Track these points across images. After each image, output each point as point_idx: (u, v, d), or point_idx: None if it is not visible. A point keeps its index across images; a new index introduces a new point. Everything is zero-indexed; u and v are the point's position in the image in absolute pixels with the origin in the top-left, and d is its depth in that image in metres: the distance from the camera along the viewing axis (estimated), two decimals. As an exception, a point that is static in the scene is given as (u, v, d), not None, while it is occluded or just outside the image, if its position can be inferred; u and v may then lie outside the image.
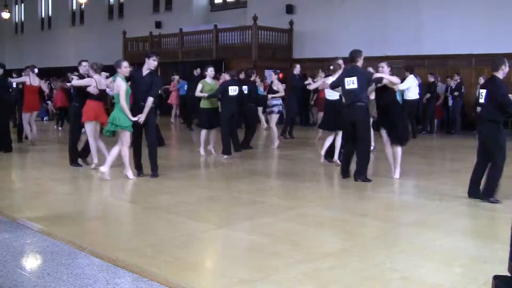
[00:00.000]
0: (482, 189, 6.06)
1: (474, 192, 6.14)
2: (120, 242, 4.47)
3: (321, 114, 11.73)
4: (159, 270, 3.73)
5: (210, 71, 9.50)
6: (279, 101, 11.42)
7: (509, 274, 2.37)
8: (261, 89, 13.47)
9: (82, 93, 8.10)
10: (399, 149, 7.41)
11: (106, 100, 8.67)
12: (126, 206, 5.97)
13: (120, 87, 7.06)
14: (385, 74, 7.28)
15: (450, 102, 15.00)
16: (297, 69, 12.82)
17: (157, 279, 3.55)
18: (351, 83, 7.27)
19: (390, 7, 17.05)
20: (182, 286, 3.47)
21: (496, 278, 2.42)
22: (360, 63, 7.40)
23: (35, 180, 7.52)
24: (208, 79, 9.48)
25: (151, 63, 7.49)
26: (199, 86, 9.40)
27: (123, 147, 7.18)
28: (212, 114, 9.45)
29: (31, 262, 3.94)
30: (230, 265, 3.98)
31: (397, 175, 7.45)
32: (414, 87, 12.36)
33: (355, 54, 7.41)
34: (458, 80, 14.72)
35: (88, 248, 4.18)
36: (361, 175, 7.20)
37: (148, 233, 4.81)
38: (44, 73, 13.31)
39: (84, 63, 8.62)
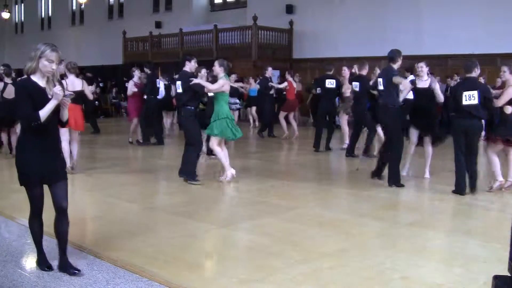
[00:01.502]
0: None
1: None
2: (120, 242, 4.47)
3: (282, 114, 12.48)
4: (159, 270, 3.73)
5: (203, 72, 9.25)
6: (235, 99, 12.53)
7: (509, 274, 2.36)
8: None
9: None
10: (430, 149, 7.63)
11: (85, 102, 8.38)
12: (126, 206, 5.97)
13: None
14: (424, 75, 7.43)
15: (450, 102, 14.99)
16: (269, 72, 12.76)
17: (157, 279, 3.55)
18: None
19: (390, 7, 17.05)
20: (182, 286, 3.47)
21: (496, 278, 2.42)
22: (398, 64, 7.04)
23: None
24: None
25: (193, 66, 7.21)
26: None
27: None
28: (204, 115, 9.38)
29: (31, 262, 3.94)
30: (230, 265, 3.98)
31: (427, 174, 7.58)
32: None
33: (393, 54, 7.03)
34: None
35: (88, 248, 4.18)
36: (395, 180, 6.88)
37: (148, 233, 4.81)
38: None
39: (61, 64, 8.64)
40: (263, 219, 5.29)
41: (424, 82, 7.37)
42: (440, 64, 16.10)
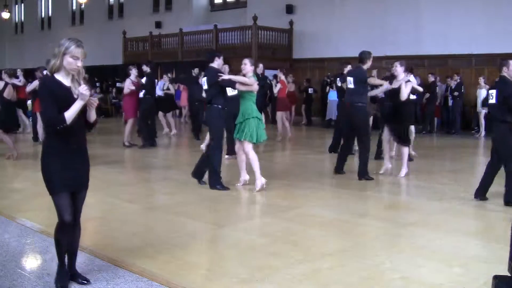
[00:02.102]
0: (505, 192, 5.87)
1: (481, 194, 6.06)
2: (120, 242, 4.47)
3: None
4: (159, 270, 3.73)
5: (227, 68, 8.96)
6: None
7: (509, 274, 2.37)
8: None
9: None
10: (405, 149, 7.66)
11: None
12: (126, 206, 5.97)
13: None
14: (400, 74, 7.46)
15: (450, 102, 15.00)
16: (260, 68, 12.72)
17: (157, 279, 3.55)
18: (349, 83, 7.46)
19: (390, 7, 17.06)
20: (182, 286, 3.47)
21: (496, 278, 2.42)
22: (367, 65, 7.41)
23: (35, 180, 7.50)
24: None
25: (221, 63, 6.91)
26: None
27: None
28: None
29: (31, 262, 3.94)
30: (230, 265, 3.98)
31: (402, 173, 7.62)
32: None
33: (363, 55, 7.39)
34: (458, 80, 14.71)
35: (88, 248, 4.18)
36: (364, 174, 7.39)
37: (148, 233, 4.81)
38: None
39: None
40: (263, 219, 5.29)
41: (398, 82, 7.45)
42: (440, 64, 16.11)
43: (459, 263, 3.99)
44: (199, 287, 3.50)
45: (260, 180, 6.55)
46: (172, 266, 3.87)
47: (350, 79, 7.48)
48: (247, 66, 6.57)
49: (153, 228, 4.98)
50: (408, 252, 4.25)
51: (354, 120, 7.47)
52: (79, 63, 3.24)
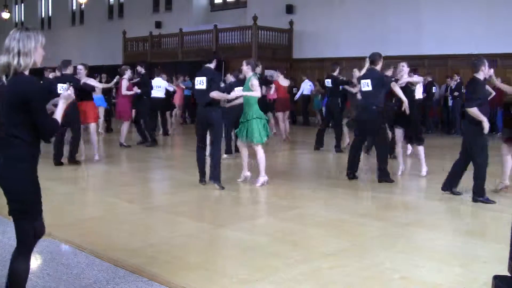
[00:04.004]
0: (472, 188, 6.03)
1: (447, 186, 6.28)
2: (120, 242, 4.47)
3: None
4: (159, 270, 3.73)
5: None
6: None
7: (509, 274, 2.36)
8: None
9: None
10: (420, 148, 7.63)
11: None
12: (126, 206, 5.97)
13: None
14: (405, 75, 7.53)
15: (450, 102, 15.00)
16: (258, 69, 12.69)
17: (157, 279, 3.55)
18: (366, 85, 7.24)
19: (390, 7, 17.06)
20: (182, 286, 3.47)
21: (496, 278, 2.42)
22: (380, 65, 7.25)
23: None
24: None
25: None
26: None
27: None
28: None
29: (31, 262, 3.93)
30: (230, 265, 3.98)
31: (423, 172, 7.63)
32: (418, 87, 12.44)
33: (374, 57, 7.25)
34: (458, 80, 14.71)
35: (88, 248, 4.18)
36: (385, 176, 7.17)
37: (148, 233, 4.81)
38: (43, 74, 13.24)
39: None
40: (263, 219, 5.29)
41: (403, 82, 7.53)
42: (440, 64, 16.11)
43: (459, 263, 3.99)
44: (199, 287, 3.50)
45: (264, 178, 6.84)
46: (172, 266, 3.86)
47: (366, 82, 7.16)
48: (243, 68, 6.91)
49: (153, 228, 4.98)
50: (408, 252, 4.25)
51: (368, 124, 7.18)
52: None
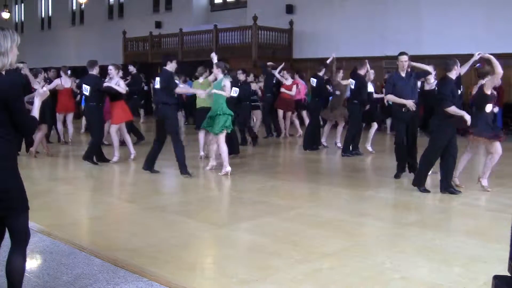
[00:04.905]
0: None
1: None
2: (120, 242, 4.47)
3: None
4: (159, 270, 3.73)
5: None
6: (254, 97, 11.92)
7: (509, 274, 2.36)
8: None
9: None
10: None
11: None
12: (126, 206, 5.97)
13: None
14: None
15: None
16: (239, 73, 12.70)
17: (157, 279, 3.55)
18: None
19: (390, 7, 17.05)
20: (182, 286, 3.47)
21: (496, 278, 2.41)
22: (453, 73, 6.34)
23: (35, 180, 7.52)
24: (201, 80, 9.27)
25: (174, 66, 7.51)
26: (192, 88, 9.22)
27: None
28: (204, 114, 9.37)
29: (31, 262, 3.93)
30: (230, 265, 3.98)
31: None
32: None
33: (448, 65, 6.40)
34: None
35: (88, 248, 4.18)
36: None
37: (148, 233, 4.81)
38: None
39: None
40: (263, 219, 5.29)
41: (429, 85, 7.61)
42: (440, 64, 16.08)
43: (459, 263, 3.99)
44: (199, 287, 3.50)
45: (227, 168, 7.57)
46: (172, 266, 3.87)
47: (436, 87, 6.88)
48: (214, 70, 7.76)
49: (153, 228, 4.98)
50: (408, 252, 4.25)
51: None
52: None
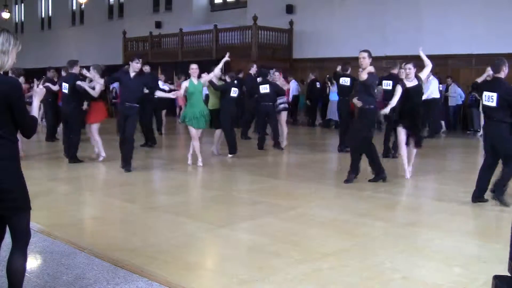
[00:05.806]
0: (492, 188, 5.83)
1: (479, 196, 5.94)
2: (120, 242, 4.47)
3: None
4: (159, 270, 3.73)
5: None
6: (284, 99, 11.41)
7: (509, 274, 2.36)
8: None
9: None
10: (414, 151, 7.57)
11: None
12: (126, 206, 5.97)
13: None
14: (412, 76, 7.69)
15: (451, 101, 15.06)
16: (253, 69, 12.38)
17: (157, 279, 3.55)
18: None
19: (390, 7, 17.06)
20: (182, 286, 3.47)
21: (496, 278, 2.42)
22: (503, 74, 5.82)
23: (35, 180, 7.51)
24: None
25: (135, 66, 7.88)
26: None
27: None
28: (212, 115, 9.39)
29: (31, 262, 3.93)
30: (230, 265, 3.98)
31: (407, 175, 7.47)
32: (434, 85, 12.66)
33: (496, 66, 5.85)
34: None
35: (88, 248, 4.18)
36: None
37: (148, 233, 4.81)
38: (43, 73, 13.21)
39: None
40: (263, 219, 5.29)
41: (412, 82, 7.50)
42: (440, 64, 16.08)
43: (459, 263, 3.99)
44: (199, 287, 3.50)
45: (201, 162, 8.41)
46: (172, 266, 3.87)
47: (491, 95, 5.73)
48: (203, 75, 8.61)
49: (153, 228, 4.98)
50: (408, 252, 4.25)
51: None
52: None
